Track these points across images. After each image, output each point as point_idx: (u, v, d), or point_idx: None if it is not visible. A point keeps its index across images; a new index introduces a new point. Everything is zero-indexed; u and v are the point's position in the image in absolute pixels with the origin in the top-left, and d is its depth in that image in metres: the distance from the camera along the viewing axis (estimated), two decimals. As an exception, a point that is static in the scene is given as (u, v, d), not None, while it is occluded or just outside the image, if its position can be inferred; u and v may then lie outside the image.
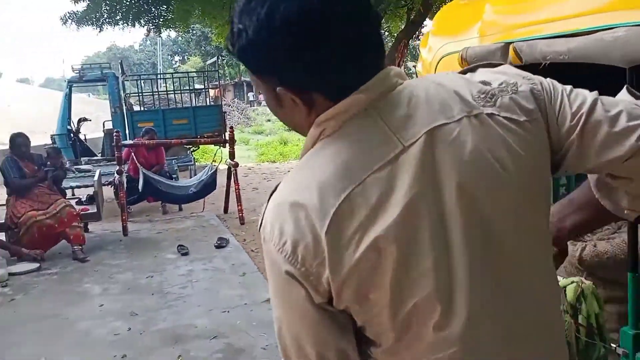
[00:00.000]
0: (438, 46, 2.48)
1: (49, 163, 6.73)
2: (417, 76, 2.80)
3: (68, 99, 12.96)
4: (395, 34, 11.75)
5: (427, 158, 0.88)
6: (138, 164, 8.17)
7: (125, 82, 13.42)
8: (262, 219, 0.92)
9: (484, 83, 0.96)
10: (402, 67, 10.07)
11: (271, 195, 0.93)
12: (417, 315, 0.88)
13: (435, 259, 0.86)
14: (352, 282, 0.86)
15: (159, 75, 16.40)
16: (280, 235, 0.88)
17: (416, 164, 0.87)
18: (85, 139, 13.68)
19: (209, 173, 8.36)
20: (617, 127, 0.94)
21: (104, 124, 13.56)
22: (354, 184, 0.86)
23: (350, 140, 0.90)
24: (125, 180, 7.74)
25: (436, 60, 2.47)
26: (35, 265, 5.98)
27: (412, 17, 9.92)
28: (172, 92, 14.32)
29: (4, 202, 6.56)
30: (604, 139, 0.94)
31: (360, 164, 0.88)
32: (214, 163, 8.55)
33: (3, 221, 6.27)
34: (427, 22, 10.09)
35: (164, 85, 15.52)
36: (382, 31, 12.78)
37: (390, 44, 12.76)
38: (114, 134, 8.04)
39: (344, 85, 0.90)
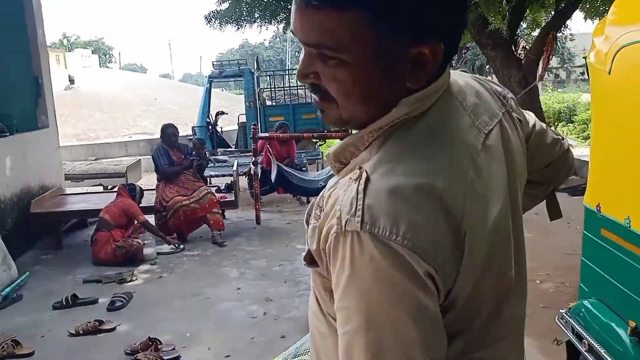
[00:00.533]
0: (617, 35, 2.25)
1: (193, 152, 7.21)
2: (587, 69, 2.57)
3: (208, 93, 13.81)
4: (541, 25, 11.02)
5: (503, 147, 0.91)
6: (271, 156, 8.48)
7: (260, 77, 13.99)
8: (364, 213, 0.74)
9: (493, 83, 1.03)
10: (550, 62, 9.40)
11: (366, 185, 0.76)
12: (503, 300, 0.89)
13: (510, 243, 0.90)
14: (476, 271, 0.80)
15: (287, 72, 16.92)
16: (409, 227, 0.73)
17: (499, 151, 0.89)
18: (221, 131, 14.52)
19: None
20: (548, 139, 1.18)
21: (238, 118, 14.28)
22: (471, 168, 0.81)
23: (445, 122, 0.84)
24: (259, 171, 8.07)
25: (614, 50, 2.25)
26: (180, 246, 6.44)
27: (561, 7, 9.23)
28: (302, 87, 14.69)
29: (154, 187, 7.13)
30: (543, 146, 1.15)
31: (465, 147, 0.83)
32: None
33: (153, 204, 6.80)
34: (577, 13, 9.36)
35: (291, 81, 16.01)
36: (525, 21, 12.08)
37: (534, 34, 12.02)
38: (252, 126, 8.41)
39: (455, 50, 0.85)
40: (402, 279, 0.73)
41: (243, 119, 14.10)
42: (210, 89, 13.95)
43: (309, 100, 14.81)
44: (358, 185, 0.77)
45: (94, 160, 13.96)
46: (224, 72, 13.65)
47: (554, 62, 23.27)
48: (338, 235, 0.76)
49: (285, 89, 14.31)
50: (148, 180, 10.23)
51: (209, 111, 13.90)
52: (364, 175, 0.78)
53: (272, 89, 14.76)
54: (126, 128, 21.62)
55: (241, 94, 20.23)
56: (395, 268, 0.73)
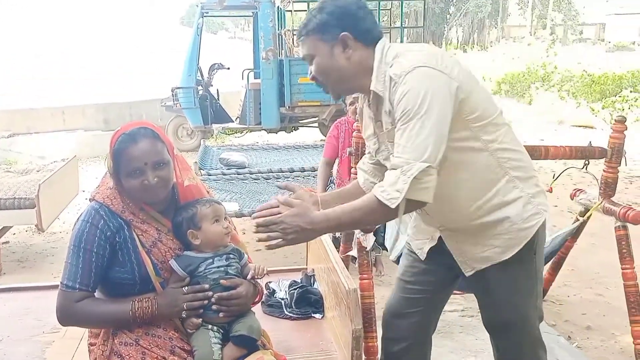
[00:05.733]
0: None
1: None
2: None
3: (199, 34, 8.58)
4: None
5: None
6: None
7: (287, 11, 8.71)
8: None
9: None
10: None
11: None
12: None
13: None
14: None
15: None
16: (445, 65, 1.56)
17: None
18: (218, 96, 9.34)
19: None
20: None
21: (247, 76, 9.06)
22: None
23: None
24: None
25: None
26: None
27: None
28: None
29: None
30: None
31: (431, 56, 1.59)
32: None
33: None
34: None
35: None
36: None
37: None
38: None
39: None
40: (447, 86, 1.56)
41: (254, 78, 8.99)
42: (201, 28, 8.70)
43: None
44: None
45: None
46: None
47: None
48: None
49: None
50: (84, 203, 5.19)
51: (198, 64, 8.73)
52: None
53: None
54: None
55: (249, 40, 14.58)
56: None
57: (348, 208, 1.57)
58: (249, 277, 1.74)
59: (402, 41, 10.06)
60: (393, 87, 1.56)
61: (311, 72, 1.68)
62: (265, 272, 1.79)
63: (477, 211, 1.66)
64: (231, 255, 1.74)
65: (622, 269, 2.72)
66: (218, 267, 1.69)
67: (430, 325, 2.01)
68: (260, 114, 8.65)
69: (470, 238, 1.72)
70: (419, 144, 1.48)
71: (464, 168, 1.63)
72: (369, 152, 1.86)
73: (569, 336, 3.06)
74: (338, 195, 1.87)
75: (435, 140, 1.48)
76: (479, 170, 1.64)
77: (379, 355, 2.41)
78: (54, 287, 1.97)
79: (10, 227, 4.58)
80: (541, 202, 1.70)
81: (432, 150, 1.47)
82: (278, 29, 8.58)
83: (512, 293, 1.76)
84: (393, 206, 1.49)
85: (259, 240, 1.54)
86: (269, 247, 1.55)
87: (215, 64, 9.26)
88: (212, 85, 9.24)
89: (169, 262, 1.66)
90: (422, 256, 1.88)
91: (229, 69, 9.24)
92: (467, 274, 1.77)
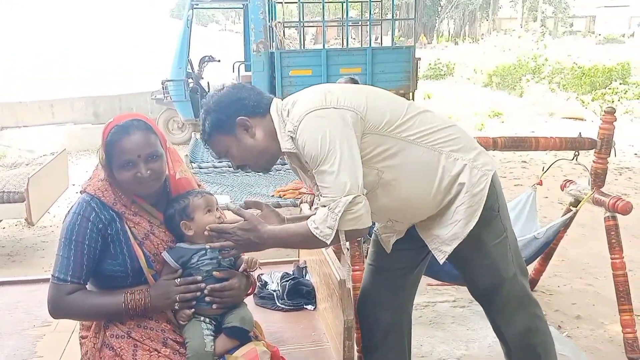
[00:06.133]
0: None
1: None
2: None
3: (189, 26, 8.53)
4: None
5: None
6: None
7: (277, 3, 8.66)
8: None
9: None
10: None
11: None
12: None
13: None
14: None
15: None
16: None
17: None
18: (208, 88, 9.30)
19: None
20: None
21: (237, 68, 9.03)
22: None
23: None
24: None
25: None
26: None
27: None
28: (337, 24, 9.48)
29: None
30: None
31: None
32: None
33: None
34: None
35: (329, 12, 10.55)
36: None
37: None
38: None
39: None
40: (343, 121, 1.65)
41: (245, 71, 8.96)
42: (191, 20, 8.64)
43: (350, 45, 9.79)
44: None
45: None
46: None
47: None
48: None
49: (315, 22, 8.94)
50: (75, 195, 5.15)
51: (188, 57, 8.68)
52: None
53: (301, 23, 9.35)
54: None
55: (239, 32, 14.57)
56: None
57: (291, 231, 1.68)
58: (240, 269, 1.74)
59: (392, 33, 10.03)
60: (296, 142, 1.64)
61: (233, 164, 1.78)
62: (257, 265, 1.80)
63: (437, 196, 1.72)
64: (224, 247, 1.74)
65: (612, 259, 2.74)
66: (211, 258, 1.69)
67: (406, 307, 2.04)
68: (251, 106, 8.63)
69: (437, 220, 1.77)
70: (337, 182, 1.55)
71: (403, 171, 1.69)
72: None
73: (559, 326, 3.09)
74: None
75: (349, 171, 1.56)
76: (417, 163, 1.69)
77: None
78: (45, 280, 1.97)
79: (0, 221, 4.55)
80: (484, 163, 1.75)
81: (351, 182, 1.55)
82: (269, 21, 8.53)
83: (485, 257, 1.80)
84: (328, 242, 1.59)
85: (211, 247, 1.66)
86: (222, 255, 1.67)
87: (205, 56, 9.19)
88: (202, 78, 9.18)
89: (162, 254, 1.65)
90: (388, 249, 1.93)
91: (219, 61, 9.18)
92: (441, 261, 1.80)
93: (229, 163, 5.19)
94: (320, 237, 1.58)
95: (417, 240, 1.85)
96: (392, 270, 1.96)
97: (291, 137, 1.65)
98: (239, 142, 1.70)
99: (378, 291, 1.99)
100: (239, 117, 1.68)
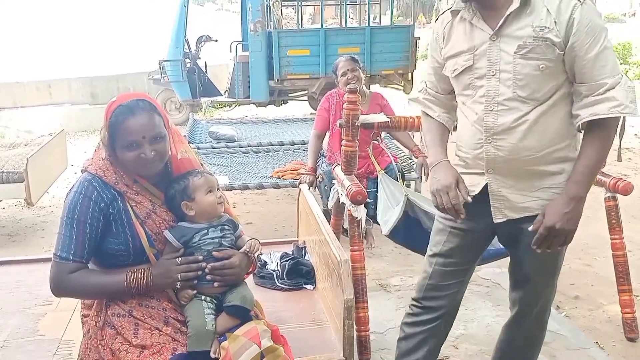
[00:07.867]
0: None
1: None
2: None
3: (186, 5, 8.42)
4: None
5: None
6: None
7: (275, -19, 8.56)
8: None
9: None
10: None
11: None
12: None
13: None
14: None
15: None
16: None
17: None
18: (206, 69, 9.23)
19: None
20: None
21: (234, 48, 8.95)
22: None
23: None
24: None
25: None
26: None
27: None
28: (345, 0, 9.38)
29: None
30: None
31: None
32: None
33: None
34: None
35: None
36: None
37: None
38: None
39: None
40: None
41: (242, 50, 8.89)
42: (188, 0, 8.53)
43: (348, 25, 9.69)
44: None
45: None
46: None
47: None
48: None
49: (313, 1, 8.87)
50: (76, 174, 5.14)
51: (185, 36, 8.59)
52: None
53: (299, 1, 9.26)
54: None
55: (237, 12, 14.42)
56: None
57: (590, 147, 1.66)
58: (242, 250, 1.74)
59: (391, 12, 9.91)
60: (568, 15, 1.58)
61: None
62: (260, 250, 1.79)
63: (545, 157, 1.68)
64: (226, 227, 1.73)
65: (611, 239, 2.75)
66: (212, 238, 1.69)
67: (463, 293, 2.02)
68: (249, 87, 8.55)
69: (518, 185, 1.72)
70: (614, 64, 1.61)
71: (563, 107, 1.67)
72: (434, 81, 1.87)
73: (557, 306, 3.11)
74: (441, 141, 1.88)
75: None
76: (566, 117, 1.68)
77: (369, 325, 2.44)
78: (46, 260, 1.97)
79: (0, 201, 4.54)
80: None
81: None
82: (266, 0, 8.44)
83: (551, 257, 1.79)
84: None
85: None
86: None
87: (202, 36, 9.09)
88: (199, 58, 9.09)
89: (164, 233, 1.65)
90: (461, 209, 1.74)
91: (216, 41, 9.09)
92: (497, 221, 1.76)
93: (227, 144, 5.22)
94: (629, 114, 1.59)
95: (486, 217, 1.78)
96: (460, 259, 1.92)
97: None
98: None
99: (445, 279, 1.94)
100: None
